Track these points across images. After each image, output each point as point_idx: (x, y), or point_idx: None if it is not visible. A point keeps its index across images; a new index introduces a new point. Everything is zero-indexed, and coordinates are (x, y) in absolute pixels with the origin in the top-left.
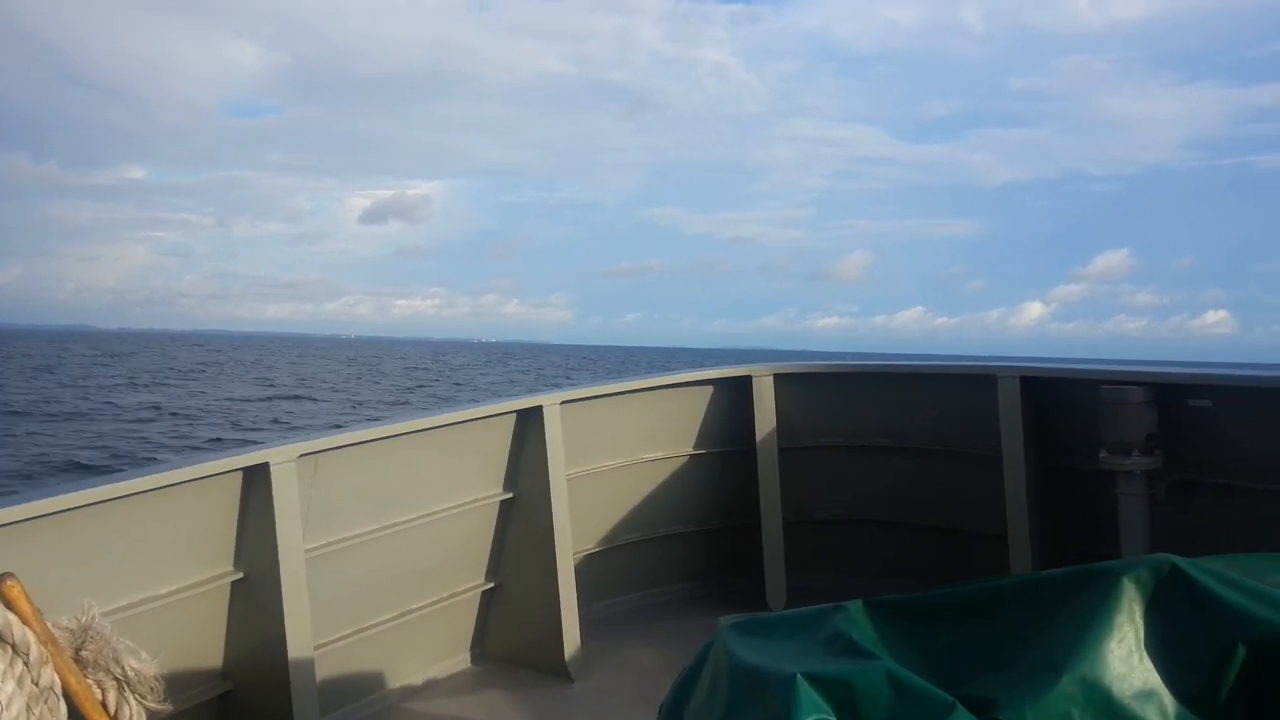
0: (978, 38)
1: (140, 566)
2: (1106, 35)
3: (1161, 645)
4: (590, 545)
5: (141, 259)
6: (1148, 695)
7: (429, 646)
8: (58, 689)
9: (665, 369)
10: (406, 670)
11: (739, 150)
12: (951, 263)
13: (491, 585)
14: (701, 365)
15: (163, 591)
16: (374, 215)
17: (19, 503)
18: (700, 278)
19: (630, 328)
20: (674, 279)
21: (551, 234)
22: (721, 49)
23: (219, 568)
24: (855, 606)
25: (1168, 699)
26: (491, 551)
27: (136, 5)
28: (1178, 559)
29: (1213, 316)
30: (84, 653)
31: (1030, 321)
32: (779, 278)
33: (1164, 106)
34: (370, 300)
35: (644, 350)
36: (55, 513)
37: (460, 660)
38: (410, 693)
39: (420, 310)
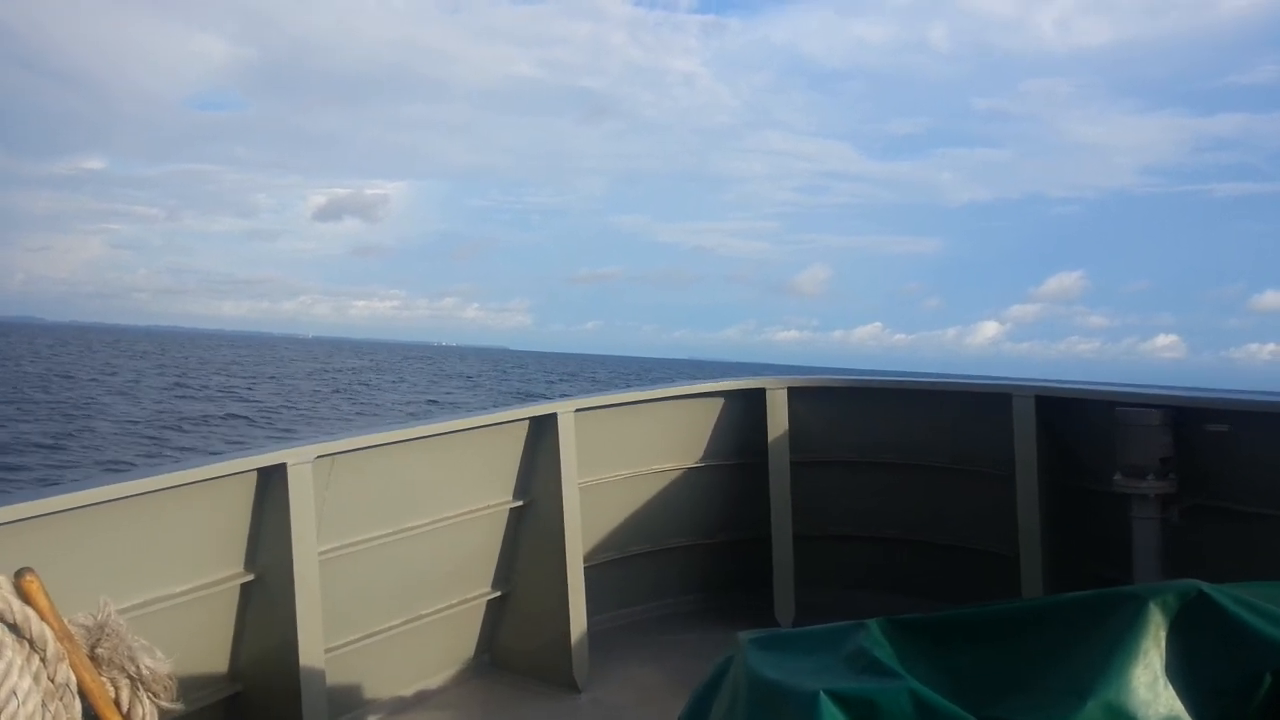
0: (944, 57)
1: (154, 565)
2: (1071, 60)
3: (1187, 672)
4: (600, 555)
5: (95, 251)
6: None
7: (438, 653)
8: (73, 686)
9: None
10: (416, 676)
11: (707, 160)
12: (909, 279)
13: (501, 593)
14: (651, 375)
15: (176, 591)
16: (329, 213)
17: (37, 498)
18: (663, 286)
19: (591, 335)
20: (636, 287)
21: (516, 238)
22: (692, 59)
23: (232, 568)
24: (876, 624)
25: None
26: (502, 559)
27: None
28: (1205, 585)
29: (1163, 340)
30: (99, 650)
31: (985, 340)
32: (741, 289)
33: (1125, 133)
34: (328, 300)
35: (602, 359)
36: (72, 509)
37: (469, 668)
38: (419, 699)
39: (379, 311)
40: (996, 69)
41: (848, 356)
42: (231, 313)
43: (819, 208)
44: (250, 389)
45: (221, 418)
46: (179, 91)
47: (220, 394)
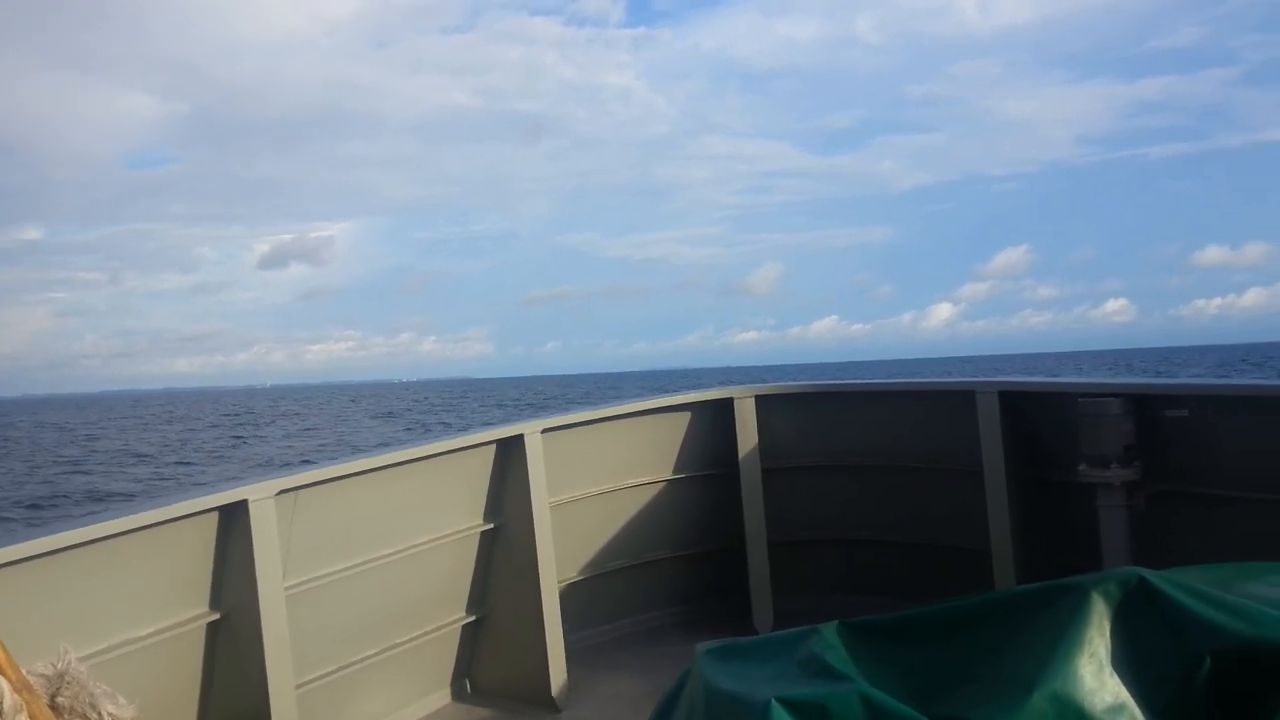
0: (873, 49)
1: (117, 609)
2: (995, 40)
3: (1131, 658)
4: (575, 573)
5: (40, 322)
6: (1119, 709)
7: (413, 681)
8: None
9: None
10: (391, 705)
11: (650, 172)
12: (860, 270)
13: (476, 617)
14: (618, 390)
15: (140, 634)
16: (273, 260)
17: None
18: (616, 301)
19: (551, 356)
20: (591, 304)
21: (467, 267)
22: (625, 73)
23: (197, 609)
24: (829, 628)
25: (1138, 712)
26: (475, 583)
27: (19, 57)
28: (1145, 572)
29: (1113, 305)
30: (60, 698)
31: (940, 323)
32: (695, 295)
33: (1056, 106)
34: (282, 347)
35: (571, 378)
36: (29, 558)
37: (445, 694)
38: None
39: (335, 353)
40: (925, 56)
41: (807, 352)
42: (185, 370)
43: (765, 207)
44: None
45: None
46: (112, 152)
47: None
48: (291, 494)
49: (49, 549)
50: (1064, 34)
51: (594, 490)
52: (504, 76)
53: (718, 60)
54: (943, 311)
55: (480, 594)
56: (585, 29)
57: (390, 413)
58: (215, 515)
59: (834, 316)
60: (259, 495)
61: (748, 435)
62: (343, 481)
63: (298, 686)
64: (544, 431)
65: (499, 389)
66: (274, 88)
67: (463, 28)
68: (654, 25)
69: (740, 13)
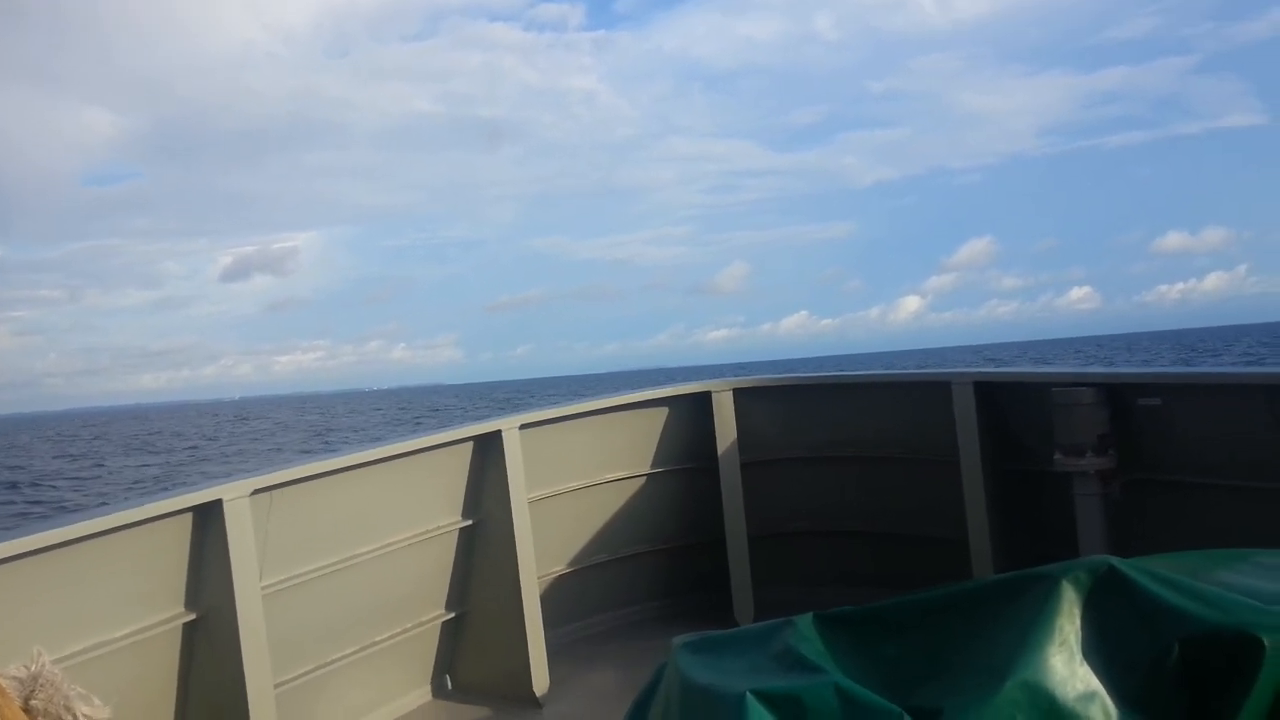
0: (833, 45)
1: (91, 611)
2: (954, 34)
3: (1101, 646)
4: (555, 569)
5: (1, 341)
6: (1090, 697)
7: (393, 679)
8: None
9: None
10: (371, 704)
11: (616, 174)
12: (828, 265)
13: (455, 614)
14: (591, 389)
15: (115, 636)
16: (236, 272)
17: None
18: (586, 303)
19: (522, 360)
20: (560, 306)
21: (436, 274)
22: (588, 76)
23: (173, 609)
24: (804, 620)
25: (1109, 700)
26: (454, 580)
27: None
28: (1115, 560)
29: (1077, 293)
30: (34, 701)
31: (909, 315)
32: (663, 295)
33: (1016, 98)
34: (249, 359)
35: (536, 382)
36: (2, 560)
37: (426, 691)
38: None
39: (304, 364)
40: (885, 51)
41: (778, 348)
42: (151, 385)
43: (731, 206)
44: None
45: None
46: (72, 169)
47: None
48: (267, 493)
49: (22, 551)
50: (1022, 26)
51: (573, 485)
52: (467, 82)
53: (680, 61)
54: (911, 304)
55: (460, 591)
56: (545, 34)
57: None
58: (190, 515)
59: (803, 312)
60: (234, 494)
61: (726, 429)
62: (319, 480)
63: (276, 686)
64: (522, 427)
65: (485, 392)
66: (235, 100)
67: (423, 35)
68: (614, 28)
69: (700, 13)
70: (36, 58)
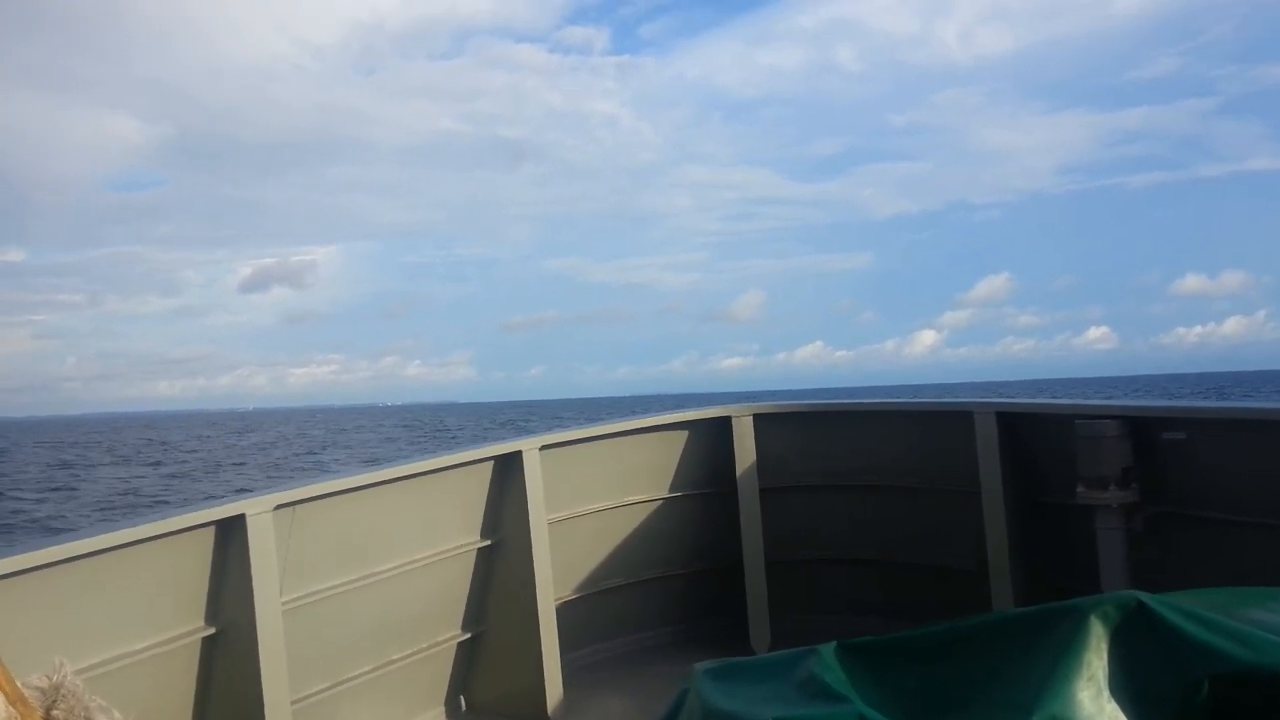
0: (856, 77)
1: (113, 623)
2: (978, 70)
3: (1129, 682)
4: (571, 591)
5: (21, 344)
6: None
7: (408, 698)
8: None
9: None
10: None
11: (635, 198)
12: (844, 296)
13: (472, 634)
14: (602, 413)
15: (135, 648)
16: (255, 284)
17: None
18: (600, 326)
19: (535, 381)
20: (574, 329)
21: (452, 292)
22: (611, 100)
23: (193, 623)
24: (828, 649)
25: None
26: (471, 600)
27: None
28: (1144, 595)
29: (1095, 333)
30: (55, 712)
31: (924, 349)
32: (678, 321)
33: (1037, 135)
34: (264, 371)
35: (546, 404)
36: (26, 570)
37: (440, 711)
38: None
39: (318, 378)
40: (908, 84)
41: (793, 378)
42: (167, 392)
43: (748, 234)
44: None
45: None
46: (96, 175)
47: None
48: (289, 508)
49: (45, 561)
50: (1044, 64)
51: (592, 508)
52: (492, 102)
53: (702, 89)
54: (926, 338)
55: (477, 611)
56: (571, 56)
57: None
58: (213, 529)
59: (819, 342)
60: (257, 509)
61: (746, 454)
62: (341, 496)
63: (293, 702)
64: (542, 449)
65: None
66: (261, 111)
67: (450, 54)
68: (639, 54)
69: (723, 42)
70: (60, 63)
